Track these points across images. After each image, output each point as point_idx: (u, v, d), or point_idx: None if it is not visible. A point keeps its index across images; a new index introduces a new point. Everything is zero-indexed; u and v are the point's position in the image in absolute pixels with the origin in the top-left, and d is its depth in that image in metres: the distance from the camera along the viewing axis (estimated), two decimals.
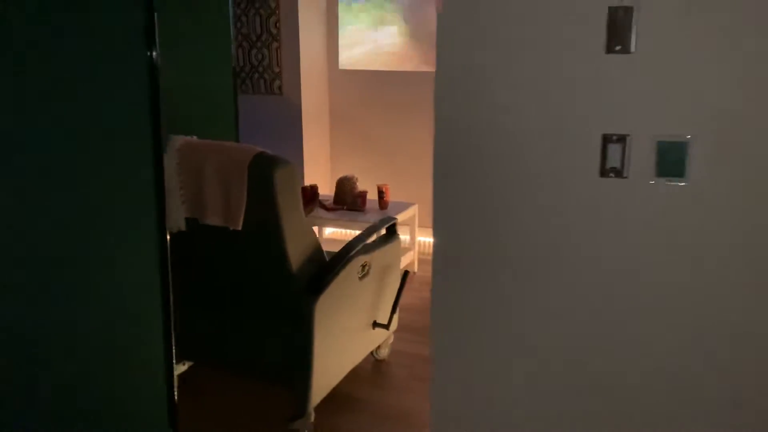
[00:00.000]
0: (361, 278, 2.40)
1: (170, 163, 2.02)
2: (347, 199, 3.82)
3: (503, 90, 1.47)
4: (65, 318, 1.26)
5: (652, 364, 1.44)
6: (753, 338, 1.35)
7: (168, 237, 1.40)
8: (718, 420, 1.40)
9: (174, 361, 1.45)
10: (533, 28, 1.41)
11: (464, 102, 1.51)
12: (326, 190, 4.57)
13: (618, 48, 1.36)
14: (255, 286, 2.18)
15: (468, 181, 1.54)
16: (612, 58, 1.37)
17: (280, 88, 4.60)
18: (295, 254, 2.07)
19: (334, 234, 4.59)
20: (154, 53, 1.26)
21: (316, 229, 4.33)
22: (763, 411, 1.37)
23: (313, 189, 3.91)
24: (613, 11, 1.35)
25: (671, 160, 1.35)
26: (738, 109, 1.28)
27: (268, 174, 1.92)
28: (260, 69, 4.63)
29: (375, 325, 2.58)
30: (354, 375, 2.63)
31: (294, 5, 4.44)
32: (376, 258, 2.49)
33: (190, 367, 2.53)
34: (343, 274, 2.24)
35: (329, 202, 3.91)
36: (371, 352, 2.78)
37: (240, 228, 1.98)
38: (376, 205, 3.85)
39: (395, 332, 2.89)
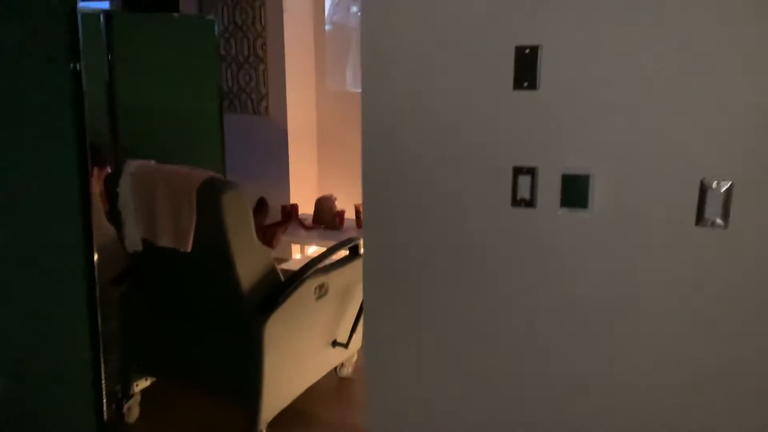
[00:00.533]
0: (317, 298, 2.46)
1: (125, 186, 2.10)
2: (326, 218, 3.89)
3: (420, 121, 1.54)
4: None
5: (568, 374, 1.49)
6: (656, 346, 1.40)
7: (95, 256, 1.47)
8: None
9: (103, 380, 1.52)
10: (448, 63, 1.48)
11: (388, 130, 1.58)
12: (311, 209, 4.65)
13: (525, 85, 1.42)
14: (209, 305, 2.25)
15: (394, 206, 1.61)
16: (520, 95, 1.43)
17: (266, 108, 4.70)
18: (246, 275, 2.14)
19: (318, 252, 4.66)
20: (78, 65, 1.32)
21: (297, 247, 4.40)
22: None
23: (293, 208, 3.99)
24: (519, 50, 1.42)
25: (575, 192, 1.41)
26: (636, 144, 1.34)
27: (215, 198, 1.99)
28: (248, 90, 4.73)
29: (335, 344, 2.64)
30: (315, 392, 2.68)
31: (279, 28, 4.55)
32: (334, 278, 2.55)
33: (153, 383, 2.59)
34: (296, 294, 2.30)
35: (308, 220, 3.98)
36: (334, 370, 2.84)
37: (189, 250, 2.05)
38: (354, 224, 3.91)
39: (361, 350, 2.94)
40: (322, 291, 2.47)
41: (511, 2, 1.41)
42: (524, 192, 1.47)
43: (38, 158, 1.32)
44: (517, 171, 1.47)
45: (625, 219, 1.37)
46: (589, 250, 1.42)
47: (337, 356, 2.71)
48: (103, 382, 1.52)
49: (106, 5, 5.54)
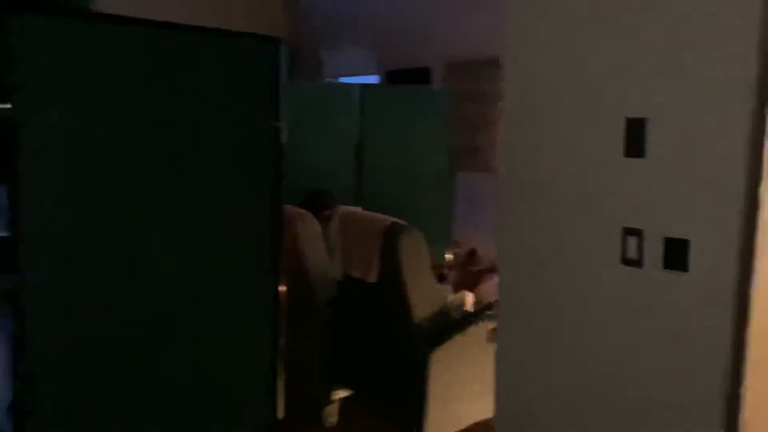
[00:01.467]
0: (490, 341, 2.68)
1: (334, 227, 2.63)
2: None
3: (546, 188, 1.74)
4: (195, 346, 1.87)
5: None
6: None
7: (279, 287, 1.95)
8: None
9: (277, 383, 1.96)
10: (568, 128, 1.67)
11: (524, 189, 1.81)
12: None
13: (634, 152, 1.55)
14: (388, 332, 2.64)
15: (526, 263, 1.82)
16: (629, 161, 1.56)
17: (493, 166, 5.05)
18: (419, 310, 2.48)
19: None
20: (278, 123, 1.86)
21: None
22: None
23: None
24: (630, 121, 1.55)
25: (677, 255, 1.47)
26: (732, 212, 1.37)
27: (394, 241, 2.39)
28: (478, 149, 5.16)
29: None
30: (489, 427, 2.86)
31: None
32: None
33: (353, 393, 3.04)
34: (466, 333, 2.56)
35: None
36: None
37: (373, 280, 2.47)
38: None
39: None
40: (494, 334, 2.69)
41: (624, 78, 1.56)
42: (632, 252, 1.57)
43: (240, 194, 1.86)
44: (627, 231, 1.58)
45: (724, 285, 1.39)
46: (689, 312, 1.45)
47: None
48: (277, 385, 1.97)
49: (375, 79, 6.54)
